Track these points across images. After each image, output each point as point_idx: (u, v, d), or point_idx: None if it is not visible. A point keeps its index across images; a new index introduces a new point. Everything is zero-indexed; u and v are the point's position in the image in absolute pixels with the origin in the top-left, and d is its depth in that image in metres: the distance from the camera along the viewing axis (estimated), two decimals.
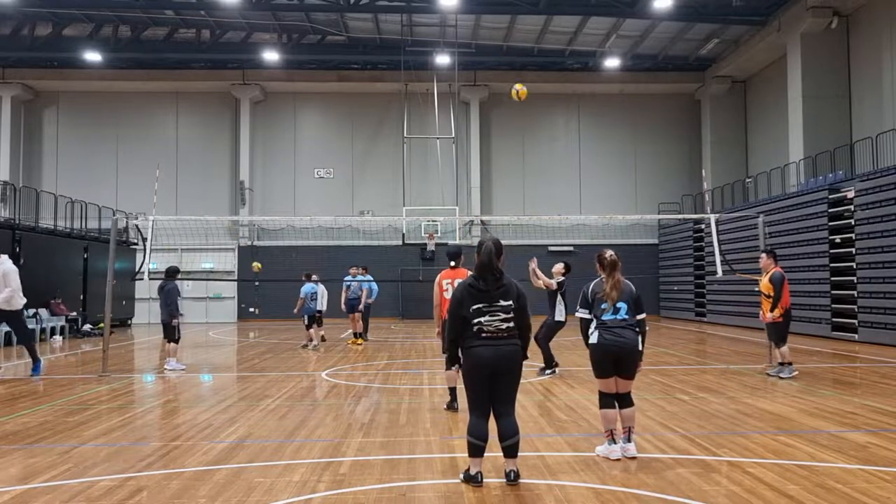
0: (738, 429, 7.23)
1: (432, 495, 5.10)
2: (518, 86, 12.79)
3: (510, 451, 5.30)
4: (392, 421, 7.84)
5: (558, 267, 11.79)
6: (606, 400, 6.17)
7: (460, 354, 5.42)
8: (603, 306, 6.19)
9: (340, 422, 7.80)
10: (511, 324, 5.30)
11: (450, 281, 8.03)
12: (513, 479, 5.28)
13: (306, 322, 16.73)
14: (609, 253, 6.42)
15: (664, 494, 5.04)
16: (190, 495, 5.13)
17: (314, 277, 17.12)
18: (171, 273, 13.05)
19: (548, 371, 11.47)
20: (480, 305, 5.28)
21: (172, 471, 5.79)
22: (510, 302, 5.30)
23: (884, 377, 11.11)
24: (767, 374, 11.14)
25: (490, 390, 5.30)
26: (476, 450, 5.27)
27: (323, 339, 17.94)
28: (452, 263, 8.20)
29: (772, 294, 10.68)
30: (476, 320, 5.27)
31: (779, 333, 10.86)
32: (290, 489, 5.26)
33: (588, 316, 6.29)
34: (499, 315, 5.26)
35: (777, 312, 10.64)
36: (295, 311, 16.74)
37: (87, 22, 26.72)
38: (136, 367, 13.75)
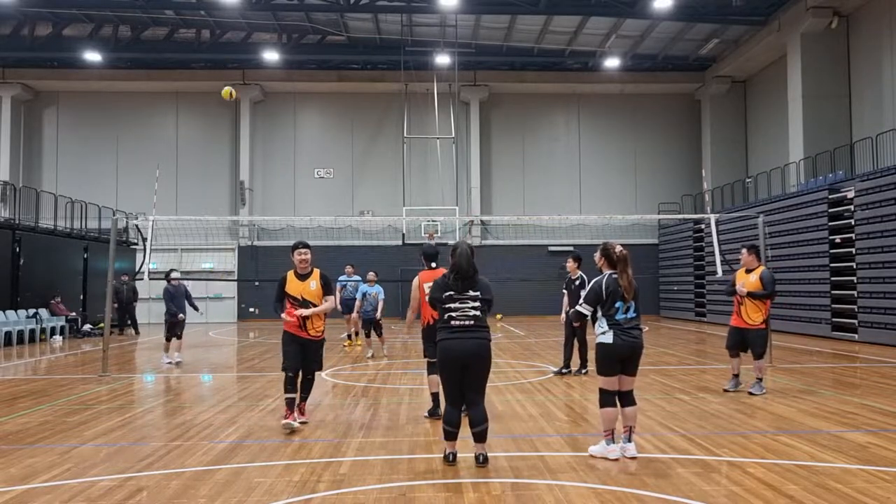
0: (738, 429, 7.23)
1: (432, 495, 5.10)
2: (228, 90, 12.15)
3: (479, 436, 5.83)
4: (392, 421, 7.84)
5: (572, 264, 11.33)
6: (609, 398, 6.05)
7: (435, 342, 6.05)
8: (617, 305, 5.99)
9: (340, 422, 7.80)
10: (479, 312, 5.89)
11: (430, 284, 7.88)
12: (482, 461, 5.79)
13: (364, 329, 15.16)
14: (618, 247, 6.10)
15: (664, 494, 5.04)
16: (190, 495, 5.13)
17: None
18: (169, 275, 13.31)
19: (564, 370, 11.41)
20: (451, 293, 5.90)
21: (172, 471, 5.79)
22: (478, 293, 5.93)
23: (884, 377, 11.11)
24: (725, 389, 9.62)
25: (460, 380, 5.83)
26: (449, 435, 5.87)
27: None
28: (433, 265, 7.70)
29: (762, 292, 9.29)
30: (447, 306, 5.87)
31: (763, 343, 9.44)
32: (290, 489, 5.26)
33: (588, 312, 6.09)
34: (468, 303, 5.87)
35: (761, 317, 9.29)
36: (356, 311, 15.35)
37: (87, 22, 26.73)
38: (136, 368, 13.75)
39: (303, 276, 7.46)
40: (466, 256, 5.89)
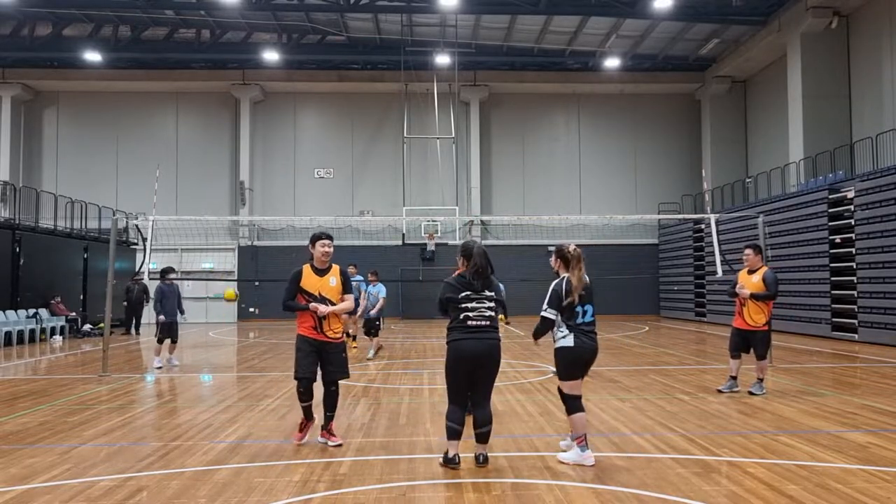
0: (738, 429, 7.23)
1: (432, 495, 5.11)
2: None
3: (482, 437, 5.83)
4: (392, 421, 7.84)
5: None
6: (576, 403, 5.90)
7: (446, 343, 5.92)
8: (577, 309, 5.87)
9: (340, 422, 7.78)
10: (493, 312, 5.86)
11: None
12: (482, 461, 5.79)
13: (364, 329, 14.70)
14: (573, 246, 6.02)
15: (664, 494, 5.04)
16: (190, 495, 5.13)
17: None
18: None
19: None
20: (469, 293, 5.83)
21: (172, 471, 5.79)
22: (493, 293, 5.92)
23: (884, 377, 11.11)
24: (718, 390, 9.59)
25: (469, 381, 5.79)
26: (453, 433, 5.78)
27: None
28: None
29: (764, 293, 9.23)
30: (464, 305, 5.79)
31: (766, 344, 9.38)
32: (290, 489, 5.26)
33: (554, 317, 5.90)
34: (484, 303, 5.83)
35: (764, 318, 9.25)
36: (360, 312, 14.32)
37: (87, 22, 26.73)
38: (135, 368, 13.74)
39: (321, 272, 6.68)
40: (484, 255, 5.87)
